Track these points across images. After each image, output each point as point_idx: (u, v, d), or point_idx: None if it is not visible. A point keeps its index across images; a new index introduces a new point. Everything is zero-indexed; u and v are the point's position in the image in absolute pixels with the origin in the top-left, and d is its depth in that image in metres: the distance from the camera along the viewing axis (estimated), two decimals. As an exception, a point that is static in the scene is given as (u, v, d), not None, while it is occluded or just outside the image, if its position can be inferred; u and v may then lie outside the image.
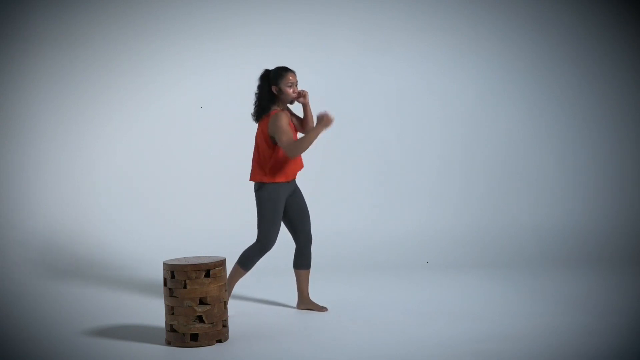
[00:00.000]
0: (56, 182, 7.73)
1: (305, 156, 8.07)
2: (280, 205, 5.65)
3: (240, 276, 5.77)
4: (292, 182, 5.76)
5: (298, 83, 5.71)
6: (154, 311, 5.82)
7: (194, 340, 4.97)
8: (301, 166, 5.80)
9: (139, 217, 7.78)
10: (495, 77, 8.25)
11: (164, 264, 5.03)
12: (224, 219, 7.65)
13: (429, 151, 8.23)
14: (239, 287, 6.37)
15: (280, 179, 5.62)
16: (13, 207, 7.59)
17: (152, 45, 7.93)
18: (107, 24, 7.84)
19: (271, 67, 5.79)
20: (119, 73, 7.87)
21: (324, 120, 5.46)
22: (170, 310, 5.00)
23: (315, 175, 8.05)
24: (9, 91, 7.67)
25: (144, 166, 7.90)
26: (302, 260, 5.83)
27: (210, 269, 4.99)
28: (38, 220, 7.60)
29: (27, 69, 7.69)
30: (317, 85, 8.08)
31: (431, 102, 8.23)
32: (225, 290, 5.11)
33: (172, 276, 4.99)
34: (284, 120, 5.51)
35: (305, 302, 5.87)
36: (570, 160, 8.25)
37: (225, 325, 5.10)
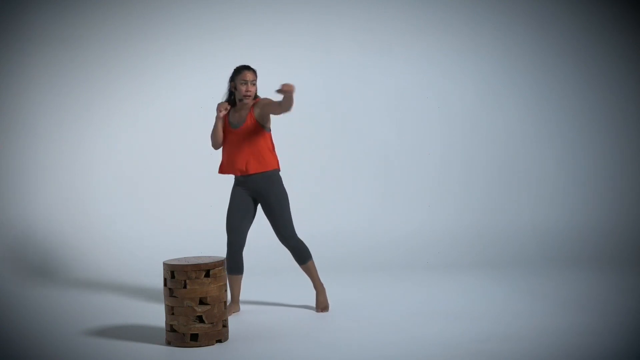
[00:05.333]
0: (56, 182, 7.73)
1: (305, 155, 8.10)
2: (232, 201, 5.74)
3: (235, 282, 5.78)
4: (247, 182, 5.69)
5: (255, 82, 5.65)
6: (154, 311, 5.83)
7: (194, 340, 4.97)
8: (232, 168, 5.69)
9: (139, 217, 7.78)
10: (495, 77, 8.25)
11: (164, 264, 5.04)
12: (224, 219, 7.64)
13: (429, 151, 8.23)
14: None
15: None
16: (13, 207, 7.59)
17: (152, 45, 7.93)
18: (107, 24, 7.84)
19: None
20: (119, 73, 7.88)
21: (218, 109, 5.66)
22: (170, 310, 5.00)
23: (315, 175, 8.06)
24: (9, 91, 7.67)
25: (143, 166, 7.90)
26: (296, 258, 5.82)
27: (210, 269, 4.99)
28: (37, 220, 7.60)
29: (27, 69, 7.70)
30: (317, 85, 8.09)
31: (431, 102, 8.24)
32: (226, 290, 5.11)
33: (172, 276, 4.99)
34: (218, 109, 5.68)
35: (319, 291, 5.86)
36: (570, 160, 8.25)
37: (225, 325, 5.10)
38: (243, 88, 5.60)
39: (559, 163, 8.25)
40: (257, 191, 5.70)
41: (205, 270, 4.98)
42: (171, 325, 5.01)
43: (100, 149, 7.87)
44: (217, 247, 6.72)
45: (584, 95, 8.27)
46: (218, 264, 5.03)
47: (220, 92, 8.02)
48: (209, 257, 5.18)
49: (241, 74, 5.62)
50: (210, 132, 5.78)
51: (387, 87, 8.21)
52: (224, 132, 5.73)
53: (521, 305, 5.79)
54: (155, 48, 7.93)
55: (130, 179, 7.88)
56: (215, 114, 5.84)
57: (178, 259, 5.13)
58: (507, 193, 8.19)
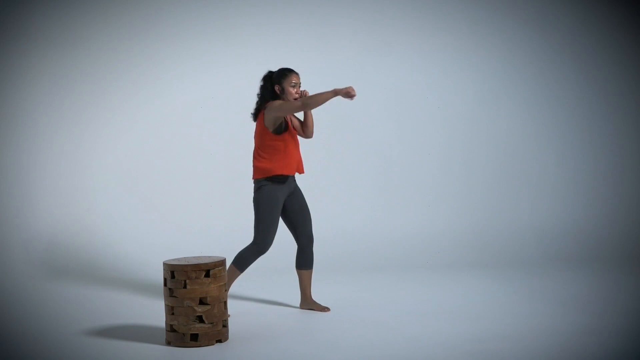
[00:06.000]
0: (56, 182, 7.73)
1: (305, 155, 8.05)
2: (278, 206, 5.66)
3: (235, 277, 5.77)
4: (291, 182, 5.74)
5: (301, 85, 5.71)
6: (154, 311, 5.82)
7: (194, 340, 4.97)
8: (297, 166, 5.75)
9: (139, 217, 7.78)
10: (495, 77, 8.26)
11: (164, 264, 5.04)
12: (224, 219, 7.64)
13: (429, 151, 8.23)
14: (239, 287, 6.38)
15: (277, 172, 5.61)
16: (13, 207, 7.59)
17: (152, 45, 7.93)
18: (107, 24, 7.84)
19: (271, 68, 5.81)
20: (119, 73, 7.87)
21: (345, 92, 5.41)
22: (170, 310, 5.00)
23: (315, 175, 8.05)
24: (9, 91, 7.67)
25: (144, 166, 7.90)
26: (303, 261, 5.83)
27: (210, 269, 4.99)
28: (38, 220, 7.60)
29: (27, 69, 7.69)
30: (317, 85, 8.08)
31: (431, 102, 8.24)
32: (226, 290, 5.11)
33: (172, 276, 4.99)
34: (279, 100, 5.58)
35: (307, 302, 5.87)
36: (570, 160, 8.25)
37: (225, 325, 5.10)
38: (293, 90, 5.63)
39: (559, 163, 8.26)
40: (296, 189, 5.80)
41: (205, 270, 4.98)
42: (171, 325, 5.01)
43: (101, 149, 7.86)
44: (217, 247, 6.73)
45: (584, 95, 8.27)
46: (218, 264, 5.03)
47: (220, 92, 8.05)
48: (209, 257, 5.18)
49: (290, 77, 5.64)
50: (319, 96, 5.41)
51: (387, 87, 8.21)
52: (288, 133, 5.68)
53: (521, 305, 5.79)
54: (155, 48, 7.93)
55: (131, 179, 7.88)
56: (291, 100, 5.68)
57: (178, 259, 5.13)
58: (507, 193, 8.19)
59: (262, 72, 5.82)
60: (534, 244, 7.79)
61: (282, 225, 5.87)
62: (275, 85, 5.66)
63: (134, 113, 7.92)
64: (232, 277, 5.77)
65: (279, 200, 5.66)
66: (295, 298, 6.08)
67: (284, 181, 5.68)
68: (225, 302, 5.10)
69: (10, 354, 4.95)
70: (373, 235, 7.91)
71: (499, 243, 7.82)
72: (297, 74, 5.69)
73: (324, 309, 5.81)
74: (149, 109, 7.94)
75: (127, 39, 7.88)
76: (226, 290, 5.76)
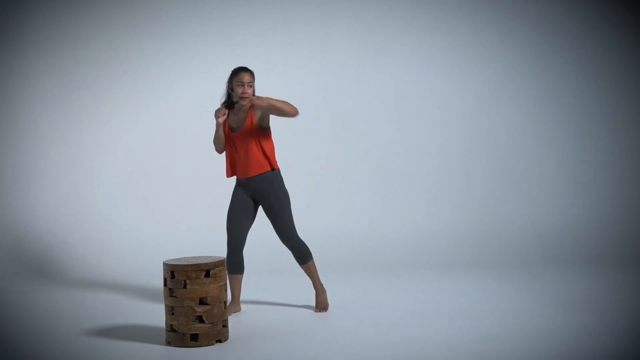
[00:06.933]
0: (56, 182, 7.73)
1: (305, 154, 8.08)
2: (233, 204, 5.72)
3: (236, 281, 5.78)
4: (243, 184, 5.71)
5: (252, 84, 5.57)
6: (154, 311, 5.83)
7: (194, 340, 4.97)
8: (233, 170, 5.72)
9: (139, 217, 7.78)
10: (495, 77, 8.26)
11: (164, 264, 5.04)
12: (224, 219, 7.63)
13: (429, 151, 8.23)
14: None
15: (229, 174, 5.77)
16: (13, 207, 7.59)
17: (152, 45, 7.93)
18: (107, 23, 7.84)
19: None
20: (119, 73, 7.88)
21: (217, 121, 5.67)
22: (170, 310, 5.00)
23: (315, 175, 8.06)
24: (9, 91, 7.67)
25: (143, 166, 7.90)
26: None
27: (210, 269, 4.99)
28: (38, 220, 7.60)
29: (27, 69, 7.70)
30: (317, 85, 8.10)
31: (431, 102, 8.24)
32: (225, 290, 5.11)
33: (172, 276, 4.99)
34: (216, 116, 5.66)
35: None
36: (570, 160, 8.25)
37: (225, 325, 5.10)
38: (239, 90, 5.57)
39: (559, 163, 8.25)
40: (258, 192, 5.69)
41: (205, 270, 4.98)
42: (171, 325, 5.01)
43: (101, 149, 7.87)
44: (217, 247, 6.72)
45: (584, 95, 8.27)
46: (218, 264, 5.03)
47: (220, 92, 8.02)
48: (209, 257, 5.18)
49: (238, 76, 5.58)
50: (213, 138, 5.77)
51: (387, 87, 8.21)
52: (225, 135, 5.72)
53: (521, 305, 5.79)
54: (155, 48, 7.93)
55: (131, 179, 7.88)
56: (214, 120, 5.82)
57: (178, 259, 5.13)
58: (507, 193, 8.18)
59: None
60: (534, 244, 7.79)
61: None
62: (228, 84, 5.67)
63: (134, 113, 7.92)
64: (233, 283, 5.77)
65: (235, 196, 5.73)
66: (295, 298, 6.09)
67: (237, 180, 5.77)
68: (225, 302, 5.10)
69: (10, 354, 4.95)
70: (373, 235, 7.91)
71: (499, 243, 7.82)
72: (248, 73, 5.59)
73: (324, 308, 5.80)
74: (148, 109, 7.95)
75: (127, 39, 7.88)
76: (232, 301, 5.78)
